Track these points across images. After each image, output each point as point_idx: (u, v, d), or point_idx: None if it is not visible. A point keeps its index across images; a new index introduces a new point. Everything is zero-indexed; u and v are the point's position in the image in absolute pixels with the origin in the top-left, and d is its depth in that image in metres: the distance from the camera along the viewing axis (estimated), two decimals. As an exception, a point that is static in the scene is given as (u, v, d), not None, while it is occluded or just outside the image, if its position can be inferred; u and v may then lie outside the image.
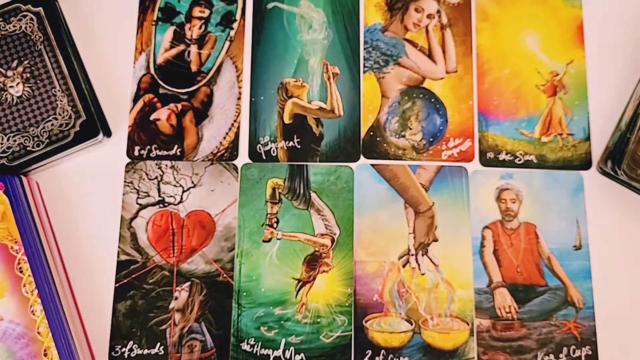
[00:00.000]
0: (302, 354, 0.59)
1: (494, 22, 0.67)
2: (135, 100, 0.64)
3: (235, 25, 0.67)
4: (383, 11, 0.67)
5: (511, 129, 0.64)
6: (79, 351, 0.56)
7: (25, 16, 0.63)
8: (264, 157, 0.63)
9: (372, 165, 0.63)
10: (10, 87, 0.61)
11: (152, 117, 0.64)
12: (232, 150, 0.63)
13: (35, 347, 0.55)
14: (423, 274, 0.61)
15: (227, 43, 0.66)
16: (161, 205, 0.62)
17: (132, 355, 0.59)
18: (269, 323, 0.59)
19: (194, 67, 0.66)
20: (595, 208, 0.62)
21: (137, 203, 0.62)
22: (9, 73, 0.62)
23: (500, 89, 0.65)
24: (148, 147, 0.63)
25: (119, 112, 0.64)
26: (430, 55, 0.66)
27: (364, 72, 0.65)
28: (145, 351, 0.59)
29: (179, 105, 0.64)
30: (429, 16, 0.67)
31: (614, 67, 0.65)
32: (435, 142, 0.64)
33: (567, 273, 0.61)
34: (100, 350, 0.59)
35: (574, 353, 0.59)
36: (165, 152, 0.63)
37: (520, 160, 0.63)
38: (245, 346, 0.59)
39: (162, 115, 0.64)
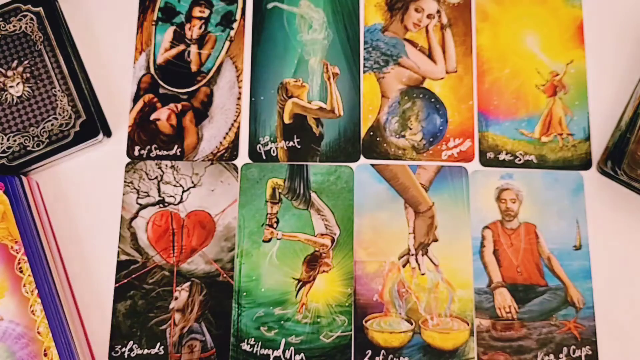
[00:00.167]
0: (302, 354, 0.59)
1: (494, 22, 0.67)
2: (135, 100, 0.64)
3: (235, 25, 0.67)
4: (383, 11, 0.67)
5: (511, 129, 0.64)
6: (79, 351, 0.56)
7: (25, 16, 0.63)
8: (264, 157, 0.63)
9: (372, 165, 0.63)
10: (10, 87, 0.61)
11: (152, 117, 0.64)
12: (232, 150, 0.63)
13: (35, 347, 0.55)
14: (423, 274, 0.61)
15: (227, 43, 0.66)
16: (161, 205, 0.62)
17: (132, 355, 0.59)
18: (269, 323, 0.59)
19: (194, 67, 0.66)
20: (595, 208, 0.62)
21: (137, 203, 0.62)
22: (9, 73, 0.62)
23: (500, 89, 0.65)
24: (148, 147, 0.63)
25: (119, 112, 0.64)
26: (430, 55, 0.66)
27: (364, 72, 0.65)
28: (145, 351, 0.59)
29: (179, 105, 0.64)
30: (429, 16, 0.66)
31: (614, 67, 0.65)
32: (435, 142, 0.64)
33: (567, 273, 0.61)
34: (100, 350, 0.59)
35: (574, 353, 0.59)
36: (165, 152, 0.63)
37: (520, 160, 0.63)
38: (245, 346, 0.59)
39: (162, 115, 0.64)
